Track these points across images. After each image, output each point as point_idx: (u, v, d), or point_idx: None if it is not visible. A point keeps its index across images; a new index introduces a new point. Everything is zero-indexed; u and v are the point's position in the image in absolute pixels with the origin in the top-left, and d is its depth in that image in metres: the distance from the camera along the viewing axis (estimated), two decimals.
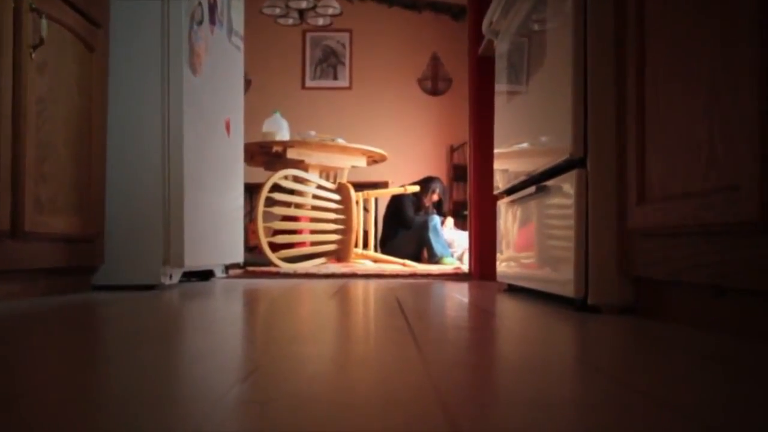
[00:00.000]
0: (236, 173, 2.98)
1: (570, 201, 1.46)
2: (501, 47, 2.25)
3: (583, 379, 0.73)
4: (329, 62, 7.21)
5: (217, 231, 2.68)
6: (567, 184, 1.49)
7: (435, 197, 5.65)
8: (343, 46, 7.20)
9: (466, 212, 6.72)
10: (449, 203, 6.43)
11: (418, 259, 5.20)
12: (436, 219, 5.25)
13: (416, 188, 4.93)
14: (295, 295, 2.05)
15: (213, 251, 2.65)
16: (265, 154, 4.71)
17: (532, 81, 1.76)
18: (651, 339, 1.07)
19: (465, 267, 4.21)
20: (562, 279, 1.50)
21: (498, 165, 2.30)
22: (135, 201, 2.16)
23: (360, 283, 2.76)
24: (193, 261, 2.35)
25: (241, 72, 3.03)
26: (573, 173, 1.45)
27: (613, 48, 1.42)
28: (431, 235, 5.18)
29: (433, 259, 5.13)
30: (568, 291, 1.46)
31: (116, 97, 2.17)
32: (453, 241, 5.40)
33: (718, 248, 1.02)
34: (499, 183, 2.28)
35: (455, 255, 5.29)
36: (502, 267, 2.28)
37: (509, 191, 2.18)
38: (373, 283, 2.75)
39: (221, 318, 1.43)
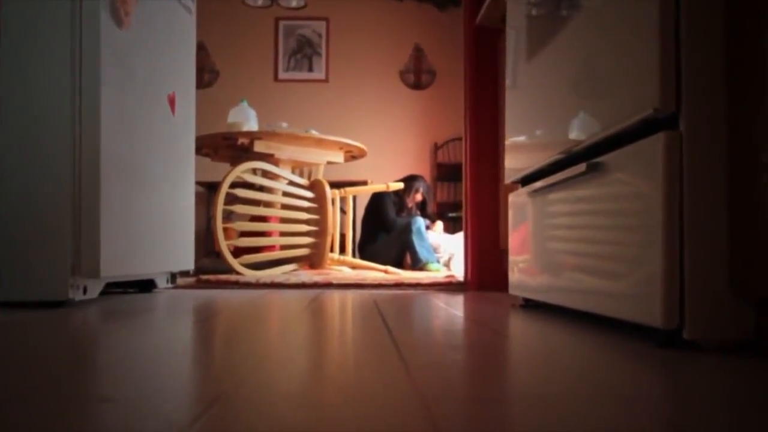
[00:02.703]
0: (185, 164, 2.44)
1: (650, 182, 0.97)
2: None
3: None
4: (304, 53, 6.68)
5: (158, 233, 2.15)
6: (643, 157, 1.00)
7: (418, 197, 5.17)
8: (319, 35, 6.68)
9: (452, 214, 6.27)
10: (434, 204, 5.93)
11: (400, 264, 4.71)
12: (420, 221, 4.76)
13: (400, 185, 4.44)
14: (248, 314, 1.52)
15: (152, 257, 2.11)
16: (230, 147, 4.17)
17: (578, 15, 1.26)
18: None
19: (455, 274, 3.72)
20: (636, 299, 1.01)
21: (512, 145, 1.81)
22: (33, 192, 1.62)
23: (336, 296, 2.24)
24: (120, 269, 1.82)
25: (193, 39, 2.50)
26: (657, 138, 0.96)
27: None
28: (415, 239, 4.70)
29: (417, 264, 4.64)
30: (649, 317, 0.97)
31: (5, 47, 1.62)
32: (439, 246, 4.92)
33: None
34: (514, 169, 1.78)
35: (441, 260, 4.80)
36: (517, 276, 1.79)
37: (531, 178, 1.68)
38: (351, 296, 2.24)
39: (143, 349, 0.94)
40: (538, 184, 1.51)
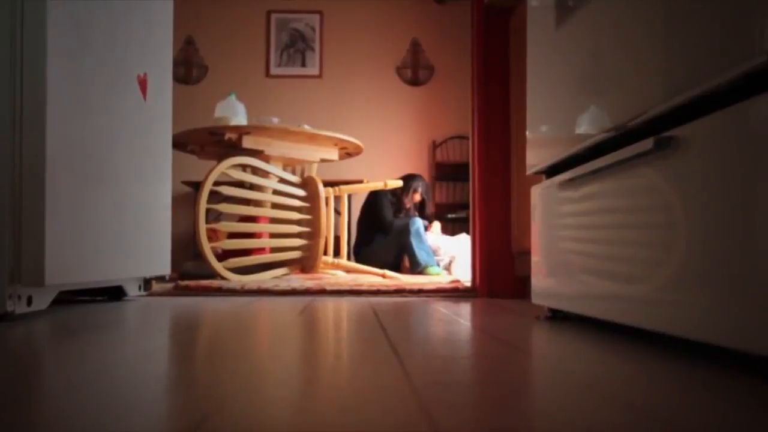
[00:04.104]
0: (160, 157, 2.17)
1: (758, 160, 0.70)
2: None
3: None
4: (297, 47, 6.41)
5: (126, 235, 1.88)
6: (745, 125, 0.73)
7: (417, 197, 4.91)
8: (313, 29, 6.41)
9: (452, 215, 6.00)
10: (432, 205, 5.67)
11: (398, 268, 4.45)
12: (419, 222, 4.51)
13: (398, 183, 4.17)
14: (229, 326, 1.25)
15: (119, 261, 1.84)
16: (217, 144, 3.90)
17: None
18: None
19: (459, 278, 3.45)
20: (733, 317, 0.74)
21: (536, 128, 1.54)
22: None
23: (330, 304, 1.97)
24: (74, 275, 1.54)
25: (170, 14, 2.22)
26: None
27: None
28: (413, 241, 4.44)
29: (416, 268, 4.38)
30: (759, 343, 0.70)
31: None
32: (438, 248, 4.66)
33: None
34: (539, 157, 1.52)
35: (441, 264, 4.54)
36: (542, 283, 1.52)
37: (560, 167, 1.42)
38: (347, 304, 1.97)
39: (103, 370, 0.72)
40: (573, 172, 1.24)
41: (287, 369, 0.82)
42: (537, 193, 1.56)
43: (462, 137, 6.29)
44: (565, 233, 1.36)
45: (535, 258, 1.57)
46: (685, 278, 0.85)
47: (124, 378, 0.75)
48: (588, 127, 1.18)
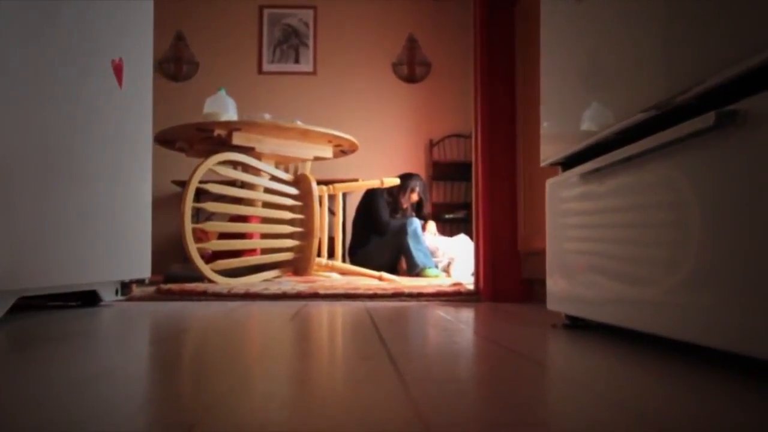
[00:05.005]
0: (139, 151, 2.00)
1: None
2: None
3: None
4: (290, 43, 6.24)
5: (99, 236, 1.71)
6: None
7: (414, 197, 4.76)
8: (306, 25, 6.25)
9: (449, 216, 5.84)
10: (430, 205, 5.51)
11: (394, 270, 4.29)
12: (416, 222, 4.36)
13: (395, 181, 4.01)
14: (206, 339, 1.08)
15: (90, 264, 1.67)
16: (206, 141, 3.73)
17: None
18: None
19: (460, 281, 3.29)
20: None
21: (551, 113, 1.38)
22: None
23: (323, 309, 1.81)
24: (37, 280, 1.38)
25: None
26: None
27: None
28: (410, 242, 4.29)
29: (414, 270, 4.23)
30: None
31: None
32: (437, 249, 4.51)
33: None
34: (557, 147, 1.36)
35: (440, 266, 4.39)
36: (560, 287, 1.36)
37: (583, 155, 1.26)
38: (341, 309, 1.81)
39: (71, 383, 0.66)
40: (598, 162, 1.08)
41: (270, 397, 0.66)
42: (553, 187, 1.40)
43: (460, 135, 6.14)
44: (586, 232, 1.20)
45: (551, 259, 1.41)
46: (751, 284, 0.69)
47: (94, 391, 0.59)
48: (618, 108, 1.02)
